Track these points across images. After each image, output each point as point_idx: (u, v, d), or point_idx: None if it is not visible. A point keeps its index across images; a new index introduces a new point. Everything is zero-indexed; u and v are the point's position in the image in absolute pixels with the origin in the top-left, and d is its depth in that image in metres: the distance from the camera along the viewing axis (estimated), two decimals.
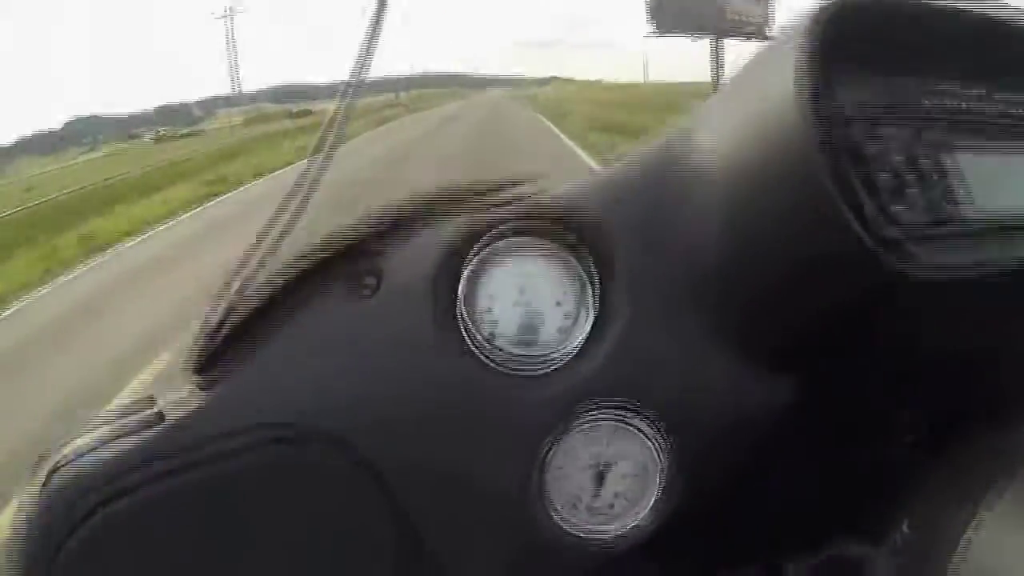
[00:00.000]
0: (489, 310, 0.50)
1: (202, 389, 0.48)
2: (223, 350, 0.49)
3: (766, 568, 0.62)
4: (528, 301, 0.49)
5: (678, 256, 0.48)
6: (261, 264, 0.50)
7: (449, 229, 0.50)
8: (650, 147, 0.52)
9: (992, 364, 0.52)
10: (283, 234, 0.50)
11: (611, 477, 0.49)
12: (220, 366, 0.49)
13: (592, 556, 0.48)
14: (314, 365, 0.48)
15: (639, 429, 0.47)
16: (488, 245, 0.49)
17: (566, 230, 0.49)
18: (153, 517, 0.44)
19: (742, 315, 0.48)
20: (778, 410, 0.49)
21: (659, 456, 0.47)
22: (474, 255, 0.49)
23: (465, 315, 0.48)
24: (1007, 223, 0.45)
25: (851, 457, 0.57)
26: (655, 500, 0.48)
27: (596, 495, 0.49)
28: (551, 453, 0.47)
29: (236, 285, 0.51)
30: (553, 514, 0.48)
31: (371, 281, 0.50)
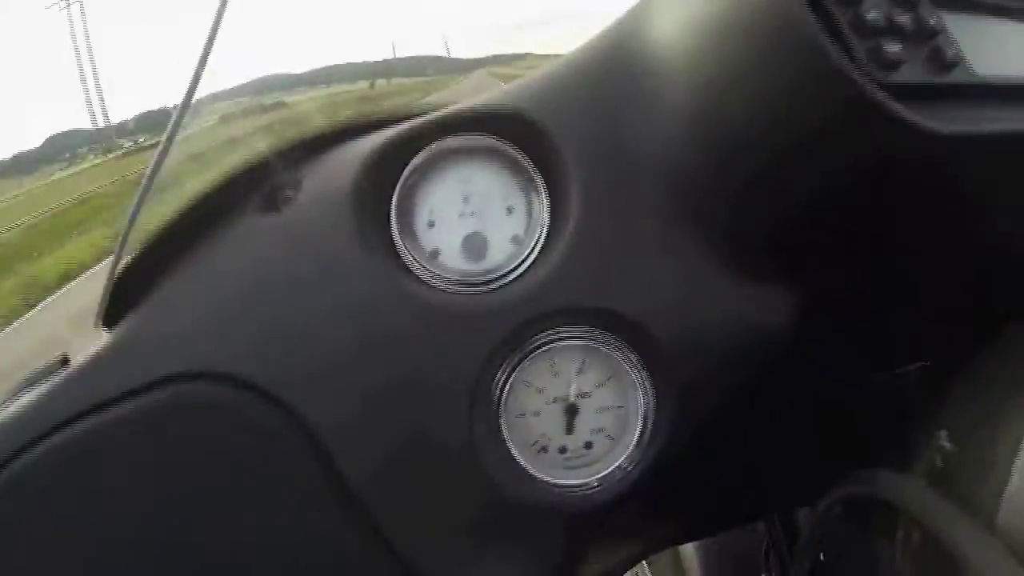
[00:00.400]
0: (431, 224, 0.42)
1: (109, 337, 0.41)
2: (126, 294, 0.42)
3: (775, 519, 0.54)
4: (474, 211, 0.42)
5: (641, 154, 0.41)
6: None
7: (380, 137, 0.43)
8: (594, 41, 0.46)
9: (1010, 252, 0.45)
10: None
11: (585, 411, 0.40)
12: (127, 311, 0.42)
13: (568, 511, 0.40)
14: (222, 299, 0.40)
15: (614, 349, 0.39)
16: (425, 150, 0.42)
17: (508, 134, 0.42)
18: (54, 470, 0.39)
19: (724, 213, 0.40)
20: (775, 324, 0.41)
21: (641, 380, 0.39)
22: (410, 163, 0.42)
23: (398, 231, 0.41)
24: (1009, 87, 0.38)
25: (863, 378, 0.49)
26: (639, 435, 0.40)
27: (568, 434, 0.40)
28: (507, 385, 0.39)
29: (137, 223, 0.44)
30: (515, 461, 0.39)
31: (289, 193, 0.43)
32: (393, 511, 0.38)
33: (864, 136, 0.33)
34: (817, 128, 0.33)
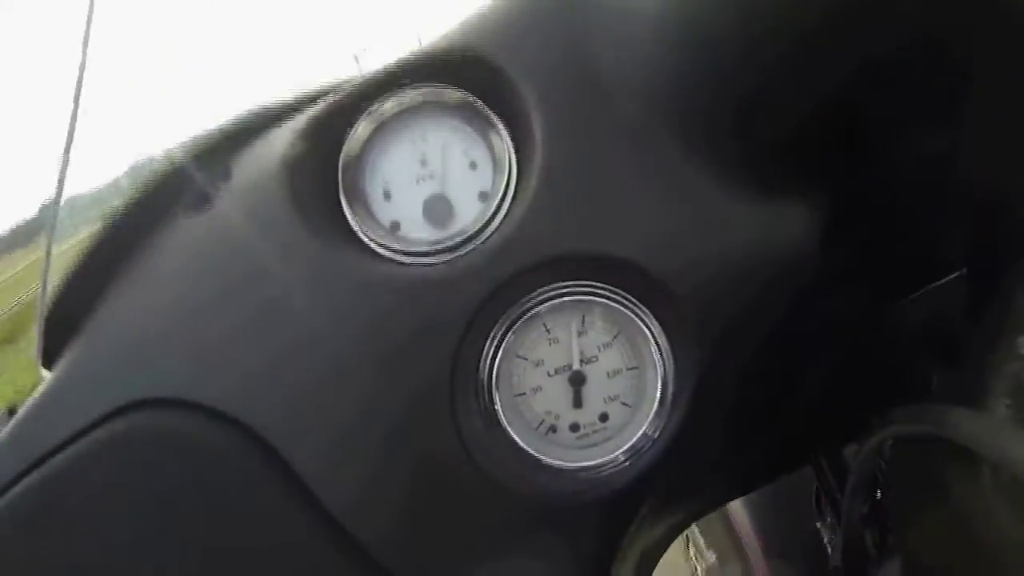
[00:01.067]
0: (387, 195, 0.37)
1: (50, 379, 0.37)
2: (59, 330, 0.38)
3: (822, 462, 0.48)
4: (433, 172, 0.36)
5: (612, 68, 0.35)
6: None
7: (312, 110, 0.38)
8: None
9: None
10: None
11: (593, 378, 0.35)
12: (63, 347, 0.37)
13: (596, 495, 0.34)
14: (158, 317, 0.35)
15: (615, 300, 0.34)
16: (366, 116, 0.36)
17: (459, 79, 0.36)
18: (13, 527, 0.35)
19: (724, 121, 0.34)
20: (795, 246, 0.35)
21: (652, 331, 0.34)
22: (349, 132, 0.36)
23: (348, 207, 0.35)
24: None
25: (899, 296, 0.43)
26: (660, 395, 0.34)
27: (577, 408, 0.35)
28: (496, 359, 0.33)
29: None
30: (520, 449, 0.34)
31: (218, 186, 0.37)
32: (382, 536, 0.33)
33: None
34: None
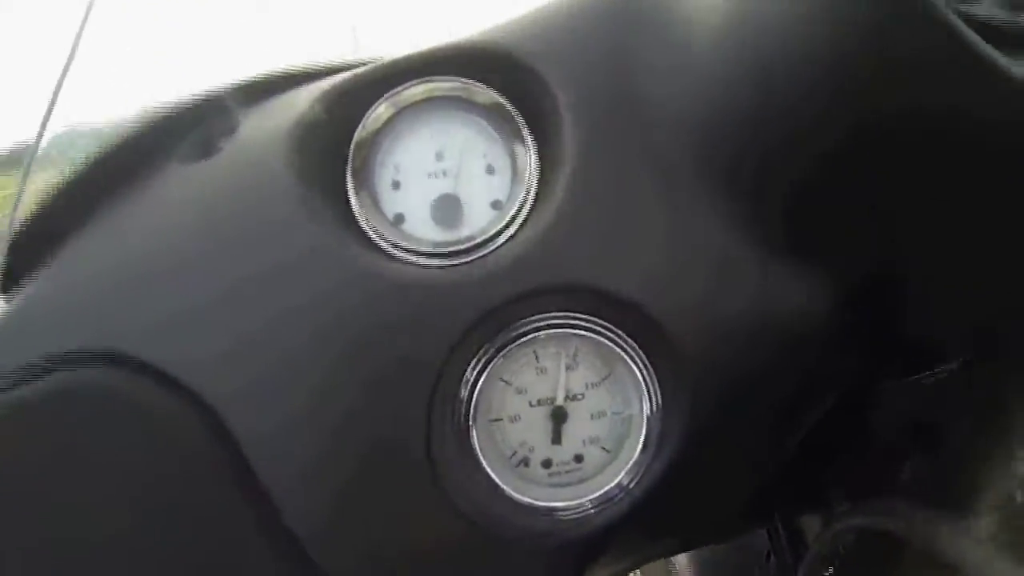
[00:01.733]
0: (395, 185, 0.34)
1: (5, 307, 0.34)
2: (27, 254, 0.35)
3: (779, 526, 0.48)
4: (448, 169, 0.34)
5: (656, 101, 0.33)
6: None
7: (336, 79, 0.35)
8: None
9: None
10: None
11: (575, 417, 0.33)
12: (27, 274, 0.35)
13: (555, 540, 0.32)
14: (131, 264, 0.33)
15: (613, 340, 0.32)
16: (390, 96, 0.34)
17: (493, 78, 0.34)
18: None
19: (760, 173, 0.32)
20: (807, 314, 0.34)
21: (645, 380, 0.32)
22: (370, 110, 0.34)
23: (353, 191, 0.33)
24: None
25: (896, 376, 0.42)
26: (643, 446, 0.33)
27: (555, 444, 0.33)
28: (479, 381, 0.31)
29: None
30: (488, 477, 0.32)
31: (220, 141, 0.35)
32: (330, 546, 0.31)
33: (935, 77, 0.26)
34: (879, 66, 0.26)
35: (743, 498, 0.45)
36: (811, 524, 0.59)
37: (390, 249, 0.32)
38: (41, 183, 0.37)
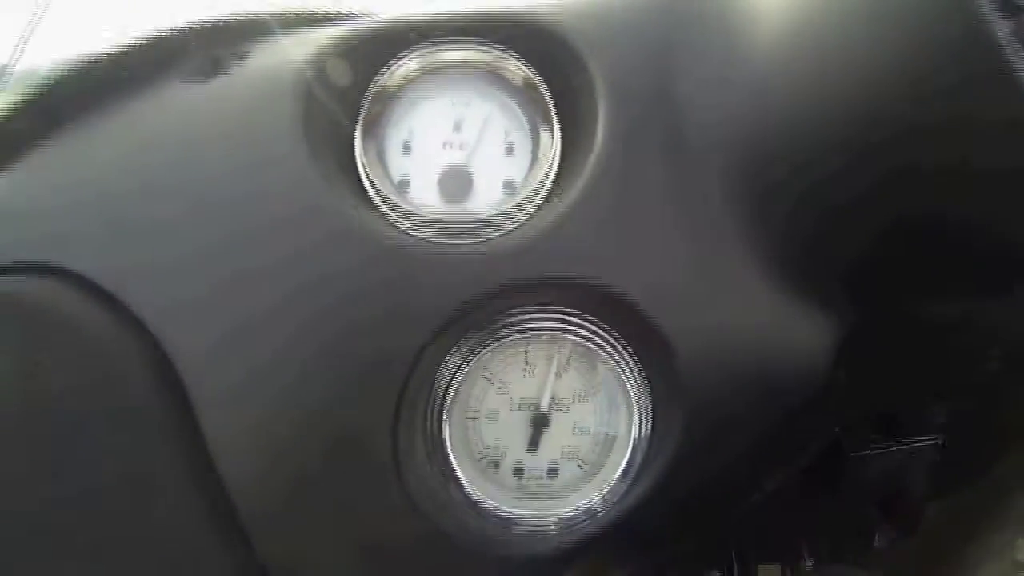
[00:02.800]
0: (406, 148, 0.32)
1: None
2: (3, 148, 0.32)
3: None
4: (464, 141, 0.32)
5: (694, 108, 0.31)
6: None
7: (362, 25, 0.33)
8: None
9: None
10: None
11: (557, 426, 0.31)
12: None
13: (508, 552, 0.30)
14: (110, 176, 0.30)
15: (613, 352, 0.30)
16: (417, 52, 0.32)
17: (528, 51, 0.32)
18: None
19: (790, 205, 0.30)
20: (810, 362, 0.32)
21: (639, 401, 0.30)
22: (391, 63, 0.31)
23: (360, 146, 0.30)
24: None
25: (865, 454, 0.41)
26: (623, 471, 0.30)
27: (530, 450, 0.31)
28: (459, 372, 0.29)
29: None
30: (453, 474, 0.29)
31: (228, 64, 0.32)
32: (275, 529, 0.28)
33: (995, 129, 0.24)
34: (939, 113, 0.24)
35: (704, 536, 0.44)
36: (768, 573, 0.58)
37: (388, 213, 0.30)
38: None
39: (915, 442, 0.45)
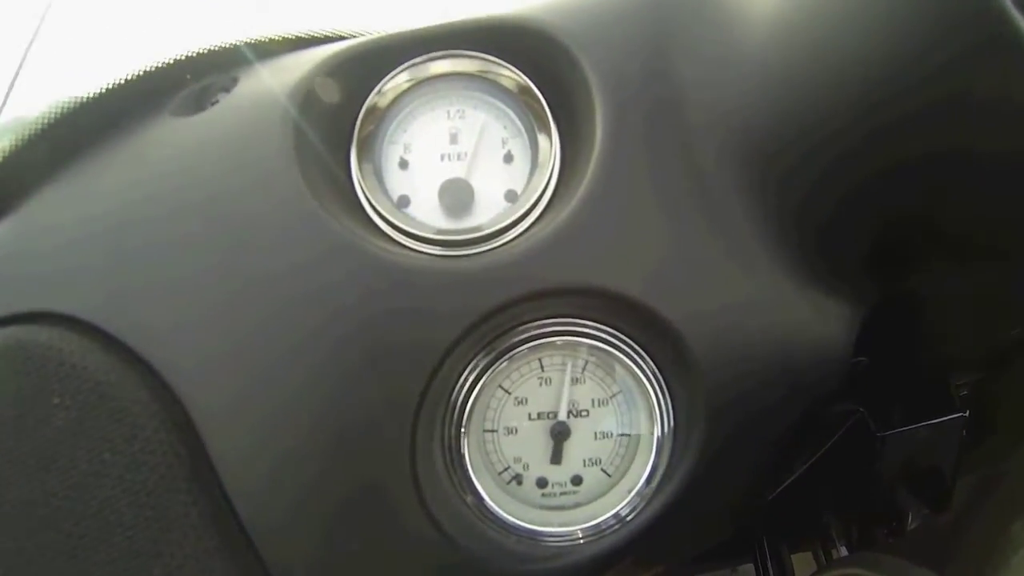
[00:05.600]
0: (403, 164, 0.31)
1: None
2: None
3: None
4: (462, 152, 0.31)
5: (693, 103, 0.30)
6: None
7: (350, 43, 0.32)
8: None
9: None
10: None
11: (578, 435, 0.30)
12: None
13: (538, 568, 0.29)
14: (106, 221, 0.29)
15: (628, 355, 0.29)
16: (407, 67, 0.31)
17: (520, 57, 0.32)
18: None
19: (797, 192, 0.30)
20: (829, 351, 0.31)
21: (660, 402, 0.29)
22: (383, 80, 0.31)
23: (357, 166, 0.30)
24: None
25: (893, 434, 0.40)
26: (648, 475, 0.30)
27: (553, 463, 0.30)
28: (476, 387, 0.28)
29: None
30: (476, 493, 0.29)
31: (218, 95, 0.32)
32: (299, 567, 0.27)
33: (1006, 101, 0.23)
34: (947, 87, 0.24)
35: (738, 528, 0.43)
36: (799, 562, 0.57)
37: (390, 231, 0.29)
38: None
39: (941, 418, 0.44)
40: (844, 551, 0.48)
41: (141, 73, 0.33)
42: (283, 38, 0.36)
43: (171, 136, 0.30)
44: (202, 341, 0.27)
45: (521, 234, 0.29)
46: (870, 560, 0.40)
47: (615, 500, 0.30)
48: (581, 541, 0.30)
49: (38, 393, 0.26)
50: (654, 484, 0.29)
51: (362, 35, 0.37)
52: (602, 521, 0.29)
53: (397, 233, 0.29)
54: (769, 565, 0.59)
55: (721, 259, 0.29)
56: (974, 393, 0.47)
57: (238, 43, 0.34)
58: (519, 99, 0.31)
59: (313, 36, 0.37)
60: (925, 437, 0.45)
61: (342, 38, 0.37)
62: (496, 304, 0.27)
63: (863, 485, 0.47)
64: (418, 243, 0.29)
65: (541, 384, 0.30)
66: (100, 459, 0.26)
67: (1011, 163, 0.25)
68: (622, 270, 0.28)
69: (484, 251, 0.29)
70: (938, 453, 0.46)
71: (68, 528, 0.26)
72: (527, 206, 0.29)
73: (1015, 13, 0.22)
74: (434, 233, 0.29)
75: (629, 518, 0.30)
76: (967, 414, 0.44)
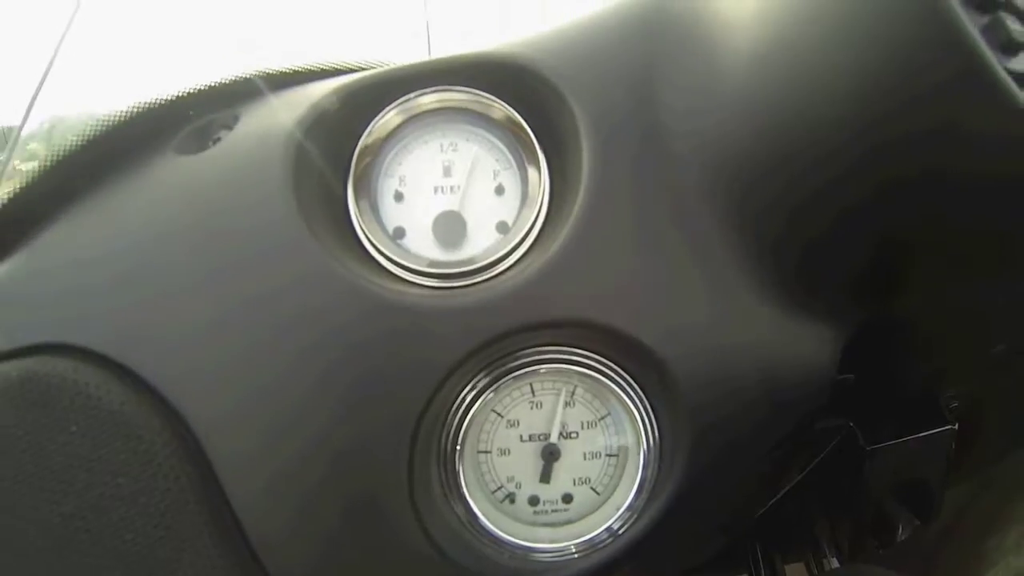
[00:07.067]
0: (398, 197, 0.33)
1: None
2: (5, 233, 0.33)
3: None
4: (455, 185, 0.33)
5: (677, 135, 0.32)
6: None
7: (345, 80, 0.34)
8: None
9: None
10: None
11: (568, 456, 0.31)
12: (4, 254, 0.33)
13: None
14: (112, 255, 0.31)
15: (615, 380, 0.30)
16: (399, 104, 0.33)
17: (509, 92, 0.33)
18: None
19: (777, 220, 0.31)
20: (813, 373, 0.33)
21: (647, 423, 0.31)
22: (377, 116, 0.32)
23: (353, 199, 0.31)
24: None
25: (882, 448, 0.41)
26: (636, 492, 0.31)
27: (543, 482, 0.31)
28: (470, 411, 0.30)
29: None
30: (470, 510, 0.30)
31: (221, 132, 0.33)
32: (293, 573, 0.29)
33: (979, 125, 0.25)
34: (922, 111, 0.25)
35: (730, 540, 0.44)
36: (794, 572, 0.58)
37: (387, 265, 0.31)
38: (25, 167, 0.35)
39: (930, 431, 0.45)
40: (835, 562, 0.49)
41: (145, 109, 0.34)
42: (284, 72, 0.37)
43: (176, 174, 0.32)
44: (210, 371, 0.28)
45: (512, 266, 0.30)
46: (860, 572, 0.41)
47: (604, 517, 0.31)
48: (575, 555, 0.31)
49: (56, 422, 0.28)
50: (642, 501, 0.31)
51: (359, 66, 0.38)
52: (595, 535, 0.31)
53: (393, 266, 0.30)
54: (763, 575, 0.60)
55: (702, 288, 0.30)
56: (963, 405, 0.48)
57: (240, 78, 0.35)
58: (509, 132, 0.33)
59: (311, 69, 0.38)
60: (914, 450, 0.46)
61: (340, 71, 0.38)
62: (487, 337, 0.28)
63: (853, 497, 0.48)
64: (413, 275, 0.30)
65: (532, 408, 0.31)
66: (115, 483, 0.28)
67: (984, 188, 0.26)
68: (607, 302, 0.29)
69: (477, 282, 0.30)
70: (927, 465, 0.47)
71: (84, 548, 0.28)
72: (518, 238, 0.30)
73: (984, 48, 0.23)
74: (428, 265, 0.30)
75: (621, 531, 0.31)
76: (956, 427, 0.45)
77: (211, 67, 0.36)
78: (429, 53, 0.35)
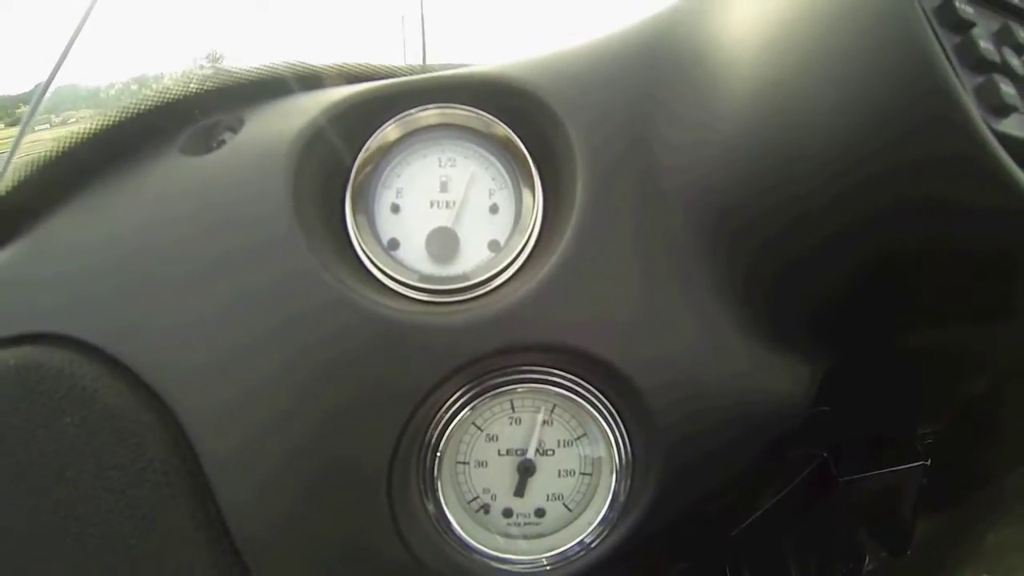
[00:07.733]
0: (395, 209, 0.34)
1: None
2: (6, 222, 0.34)
3: None
4: (451, 201, 0.34)
5: (669, 168, 0.32)
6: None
7: (349, 91, 0.35)
8: (628, 27, 0.37)
9: None
10: None
11: (543, 472, 0.32)
12: (3, 243, 0.34)
13: None
14: (111, 250, 0.32)
15: (593, 403, 0.31)
16: (400, 118, 0.34)
17: (508, 113, 0.34)
18: None
19: (761, 259, 0.32)
20: (788, 400, 0.34)
21: (621, 446, 0.31)
22: (379, 129, 0.33)
23: (350, 209, 0.32)
24: None
25: (853, 480, 0.42)
26: (606, 511, 0.32)
27: (517, 496, 0.32)
28: (450, 425, 0.31)
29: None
30: (446, 520, 0.31)
31: (225, 135, 0.34)
32: (275, 572, 0.30)
33: (961, 188, 0.26)
34: (907, 167, 0.26)
35: (702, 561, 0.45)
36: None
37: (379, 276, 0.31)
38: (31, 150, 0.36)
39: (903, 465, 0.46)
40: None
41: (152, 105, 0.35)
42: (292, 73, 0.38)
43: (179, 175, 0.33)
44: (201, 370, 0.29)
45: (501, 285, 0.31)
46: None
47: (576, 532, 0.32)
48: (547, 567, 0.32)
49: (51, 411, 0.29)
50: (615, 515, 0.32)
51: (367, 71, 0.39)
52: (567, 548, 0.32)
53: (385, 278, 0.31)
54: None
55: (685, 320, 0.31)
56: (936, 442, 0.49)
57: (248, 78, 0.36)
58: (507, 153, 0.34)
59: (319, 72, 0.39)
60: (886, 483, 0.47)
61: (349, 76, 0.39)
62: (472, 356, 0.29)
63: (824, 526, 0.48)
64: (404, 288, 0.31)
65: (511, 423, 0.32)
66: (106, 475, 0.29)
67: (962, 221, 0.27)
68: (590, 330, 0.30)
69: (466, 300, 0.31)
70: (898, 498, 0.48)
71: (73, 535, 0.29)
72: (508, 259, 0.31)
73: (973, 111, 0.24)
74: (419, 280, 0.31)
75: (593, 545, 0.32)
76: (928, 462, 0.46)
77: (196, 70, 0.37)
78: (405, 60, 0.36)
